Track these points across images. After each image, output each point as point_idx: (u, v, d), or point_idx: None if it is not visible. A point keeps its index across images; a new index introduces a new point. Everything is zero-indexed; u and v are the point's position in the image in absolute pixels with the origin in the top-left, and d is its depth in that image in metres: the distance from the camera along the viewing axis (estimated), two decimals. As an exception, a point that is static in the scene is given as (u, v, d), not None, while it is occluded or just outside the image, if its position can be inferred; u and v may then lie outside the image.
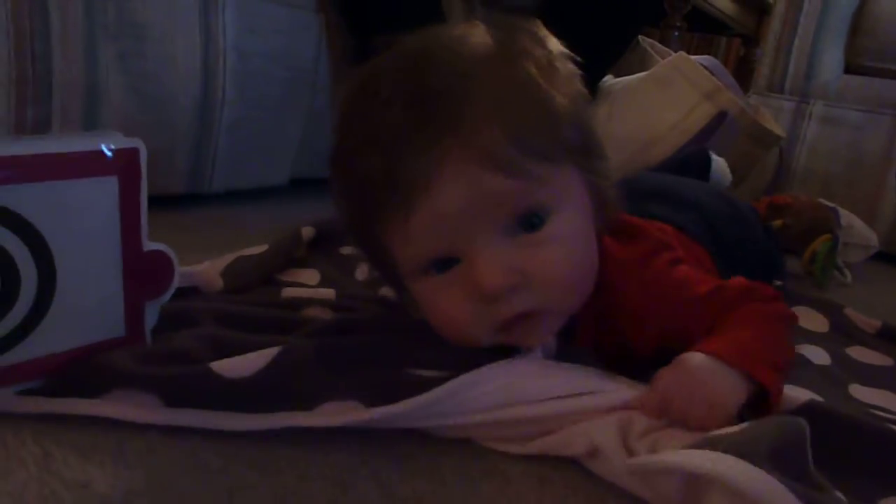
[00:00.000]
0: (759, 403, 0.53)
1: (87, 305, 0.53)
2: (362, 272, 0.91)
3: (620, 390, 0.54)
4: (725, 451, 0.43)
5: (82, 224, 0.52)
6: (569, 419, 0.52)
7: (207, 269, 0.76)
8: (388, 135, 0.52)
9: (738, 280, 0.62)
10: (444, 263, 0.54)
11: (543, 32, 0.58)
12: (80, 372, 0.51)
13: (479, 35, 0.55)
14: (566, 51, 0.58)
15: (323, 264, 0.93)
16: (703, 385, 0.51)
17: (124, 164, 0.53)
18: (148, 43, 1.13)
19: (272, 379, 0.51)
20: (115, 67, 1.10)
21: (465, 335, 0.56)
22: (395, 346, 0.57)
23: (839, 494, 0.45)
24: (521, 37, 0.56)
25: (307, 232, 0.96)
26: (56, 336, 0.51)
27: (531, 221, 0.53)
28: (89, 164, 0.52)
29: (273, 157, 1.42)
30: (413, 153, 0.51)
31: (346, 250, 0.98)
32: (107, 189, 0.53)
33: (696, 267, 0.66)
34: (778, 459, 0.43)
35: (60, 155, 0.50)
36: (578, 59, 0.59)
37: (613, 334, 0.62)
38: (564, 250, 0.54)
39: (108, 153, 0.53)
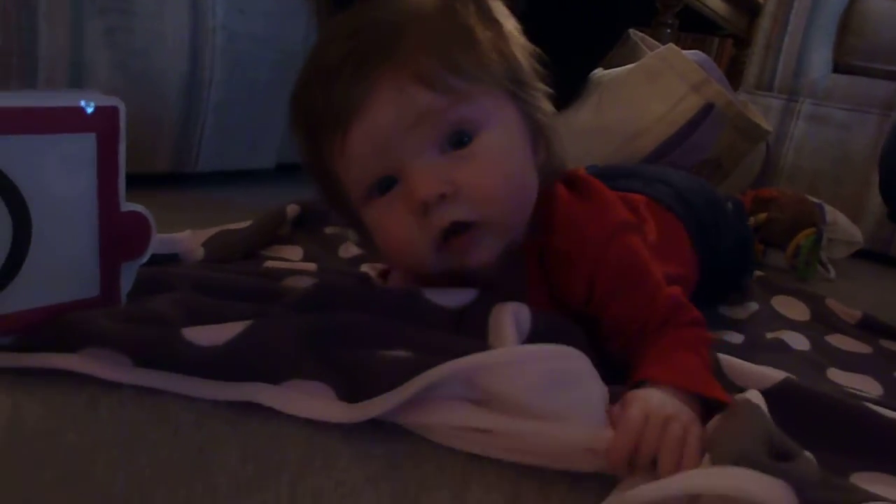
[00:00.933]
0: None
1: (62, 263, 0.52)
2: (345, 250, 0.91)
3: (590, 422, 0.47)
4: (736, 463, 0.40)
5: (59, 180, 0.51)
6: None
7: (189, 238, 0.76)
8: (330, 66, 0.56)
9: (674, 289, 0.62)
10: (385, 184, 0.57)
11: None
12: (53, 329, 0.50)
13: None
14: (506, 9, 0.61)
15: (306, 242, 0.92)
16: (673, 420, 0.47)
17: (103, 122, 0.53)
18: (136, 18, 1.12)
19: (241, 350, 0.50)
20: (102, 42, 1.09)
21: (408, 254, 0.58)
22: (364, 324, 0.55)
23: (808, 454, 0.45)
24: None
25: (292, 210, 0.96)
26: (30, 292, 0.50)
27: (460, 139, 0.57)
28: (68, 120, 0.51)
29: (260, 140, 1.41)
30: (350, 80, 0.55)
31: (331, 230, 0.98)
32: (85, 146, 0.52)
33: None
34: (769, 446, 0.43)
35: (39, 109, 0.50)
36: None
37: (549, 286, 0.63)
38: (493, 164, 0.57)
39: (88, 110, 0.52)
